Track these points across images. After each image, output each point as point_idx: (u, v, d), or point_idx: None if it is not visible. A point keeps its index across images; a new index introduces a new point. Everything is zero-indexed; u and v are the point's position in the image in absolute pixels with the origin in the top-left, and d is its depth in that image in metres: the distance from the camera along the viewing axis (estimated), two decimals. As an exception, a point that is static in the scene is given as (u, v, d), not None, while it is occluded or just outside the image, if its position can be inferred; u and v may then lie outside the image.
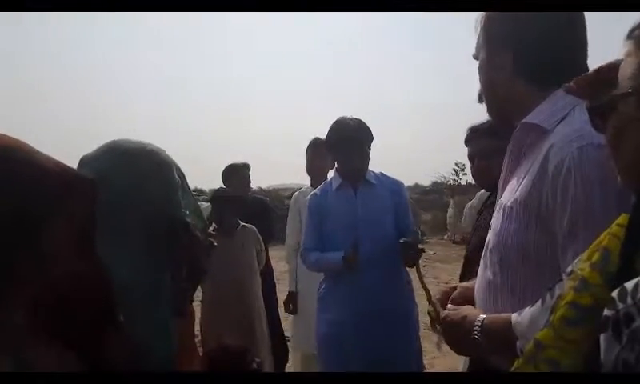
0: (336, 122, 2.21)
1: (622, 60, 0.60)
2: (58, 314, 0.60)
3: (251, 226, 3.05)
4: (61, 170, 0.64)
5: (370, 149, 2.22)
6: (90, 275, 0.64)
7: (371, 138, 2.21)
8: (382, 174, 2.30)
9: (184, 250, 0.80)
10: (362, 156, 2.18)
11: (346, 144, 2.15)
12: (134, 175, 0.76)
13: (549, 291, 0.67)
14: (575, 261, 0.62)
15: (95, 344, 0.64)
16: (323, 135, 3.08)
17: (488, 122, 1.79)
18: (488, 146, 1.81)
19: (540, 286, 0.89)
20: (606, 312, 0.46)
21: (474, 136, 1.91)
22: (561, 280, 0.64)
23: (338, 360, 2.11)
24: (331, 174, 2.39)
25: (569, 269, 0.63)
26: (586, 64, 0.97)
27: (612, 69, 0.62)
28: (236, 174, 3.44)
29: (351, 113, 2.25)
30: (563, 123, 0.90)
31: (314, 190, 2.37)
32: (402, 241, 2.07)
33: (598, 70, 0.67)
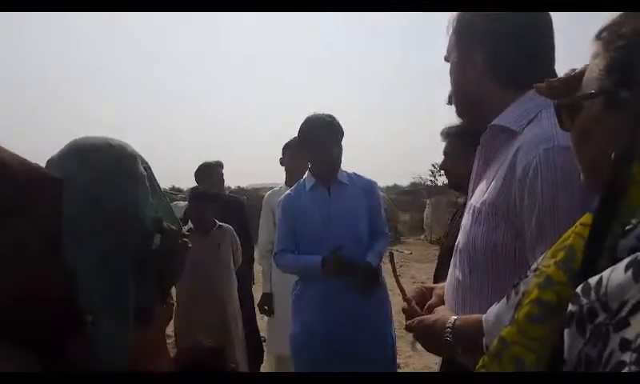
0: (307, 118, 2.19)
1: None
2: (18, 316, 0.58)
3: (228, 225, 3.02)
4: (26, 168, 0.62)
5: (341, 145, 2.20)
6: (52, 276, 0.62)
7: (342, 134, 2.19)
8: (355, 174, 2.29)
9: (155, 253, 0.78)
10: (333, 150, 2.17)
11: (317, 139, 2.13)
12: (100, 173, 0.73)
13: (514, 288, 0.68)
14: (540, 258, 0.62)
15: (56, 346, 0.62)
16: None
17: (462, 123, 1.82)
18: (459, 147, 1.84)
19: (508, 287, 0.91)
20: (570, 307, 0.46)
21: (447, 136, 1.94)
22: (526, 277, 0.65)
23: (312, 361, 2.10)
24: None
25: (534, 266, 0.64)
26: (554, 67, 0.99)
27: (585, 72, 0.62)
28: (209, 172, 3.42)
29: (332, 112, 2.23)
30: (531, 125, 0.92)
31: (288, 191, 2.34)
32: (360, 266, 2.09)
33: (571, 73, 0.68)
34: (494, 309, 0.74)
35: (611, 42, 0.56)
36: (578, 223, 0.57)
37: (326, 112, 2.21)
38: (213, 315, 2.75)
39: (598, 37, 0.59)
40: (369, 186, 2.28)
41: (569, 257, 0.55)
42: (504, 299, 0.70)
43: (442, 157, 1.98)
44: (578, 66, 0.67)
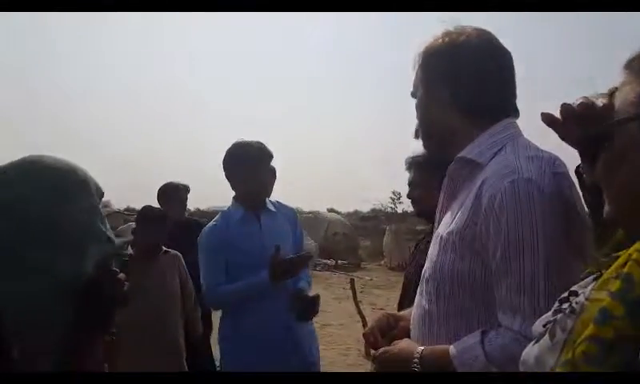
0: (236, 145, 2.16)
1: (614, 91, 0.62)
2: None
3: (176, 252, 2.70)
4: None
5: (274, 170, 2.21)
6: None
7: (271, 158, 2.20)
8: (278, 201, 2.31)
9: (99, 279, 0.71)
10: (267, 177, 2.18)
11: (250, 165, 2.11)
12: (54, 194, 0.68)
13: (557, 325, 0.59)
14: (586, 291, 0.57)
15: None
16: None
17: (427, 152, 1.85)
18: (424, 176, 1.86)
19: (474, 315, 0.92)
20: None
21: (412, 165, 1.97)
22: (561, 313, 0.59)
23: None
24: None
25: (579, 298, 0.58)
26: (515, 100, 1.03)
27: (607, 105, 0.63)
28: (173, 194, 3.21)
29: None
30: (496, 158, 0.95)
31: (213, 222, 2.25)
32: (293, 292, 2.07)
33: (589, 103, 0.69)
34: (532, 348, 0.62)
35: None
36: (633, 249, 0.52)
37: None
38: (151, 349, 2.39)
39: (628, 66, 0.60)
40: (291, 213, 2.35)
41: (627, 287, 0.50)
42: (545, 337, 0.60)
43: (408, 186, 2.00)
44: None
